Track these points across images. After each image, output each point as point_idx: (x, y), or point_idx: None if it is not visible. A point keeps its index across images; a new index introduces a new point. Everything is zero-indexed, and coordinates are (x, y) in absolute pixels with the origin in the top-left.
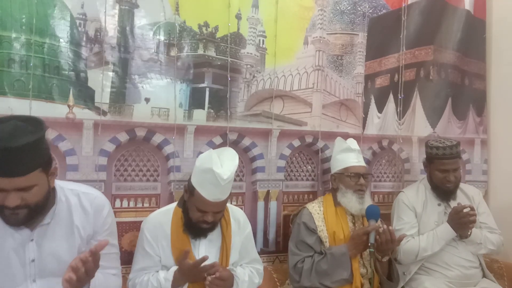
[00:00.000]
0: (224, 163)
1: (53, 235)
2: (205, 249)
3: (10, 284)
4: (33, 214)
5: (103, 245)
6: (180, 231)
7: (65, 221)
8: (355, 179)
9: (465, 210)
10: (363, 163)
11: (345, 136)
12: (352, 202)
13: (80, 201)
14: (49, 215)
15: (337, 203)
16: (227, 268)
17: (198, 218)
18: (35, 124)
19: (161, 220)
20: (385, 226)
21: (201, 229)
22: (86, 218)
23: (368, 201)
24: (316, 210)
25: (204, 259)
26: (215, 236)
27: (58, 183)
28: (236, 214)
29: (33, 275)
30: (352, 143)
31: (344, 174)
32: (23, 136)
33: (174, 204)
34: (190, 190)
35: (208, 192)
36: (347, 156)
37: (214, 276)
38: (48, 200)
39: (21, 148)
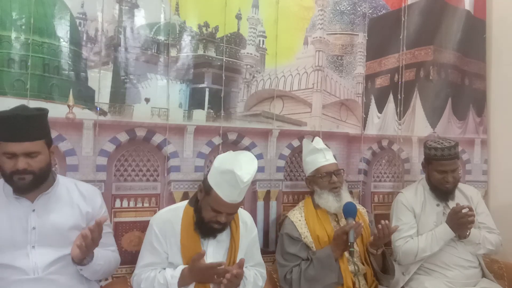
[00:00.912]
0: (243, 165)
1: (53, 207)
2: (213, 250)
3: (12, 248)
4: (38, 180)
5: (105, 218)
6: (190, 229)
7: (64, 198)
8: (327, 178)
9: (463, 211)
10: (332, 160)
11: (345, 136)
12: (329, 201)
13: (77, 187)
14: (51, 187)
15: (316, 206)
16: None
17: (211, 218)
18: (39, 108)
19: (171, 218)
20: (382, 222)
21: (212, 229)
22: (83, 199)
23: (346, 197)
24: (298, 217)
25: (221, 264)
26: (223, 237)
27: (57, 176)
28: (244, 217)
29: (33, 241)
30: (317, 142)
31: (316, 176)
32: (32, 111)
33: (184, 203)
34: (206, 189)
35: (225, 193)
36: (315, 157)
37: (232, 274)
38: (49, 172)
39: (30, 117)
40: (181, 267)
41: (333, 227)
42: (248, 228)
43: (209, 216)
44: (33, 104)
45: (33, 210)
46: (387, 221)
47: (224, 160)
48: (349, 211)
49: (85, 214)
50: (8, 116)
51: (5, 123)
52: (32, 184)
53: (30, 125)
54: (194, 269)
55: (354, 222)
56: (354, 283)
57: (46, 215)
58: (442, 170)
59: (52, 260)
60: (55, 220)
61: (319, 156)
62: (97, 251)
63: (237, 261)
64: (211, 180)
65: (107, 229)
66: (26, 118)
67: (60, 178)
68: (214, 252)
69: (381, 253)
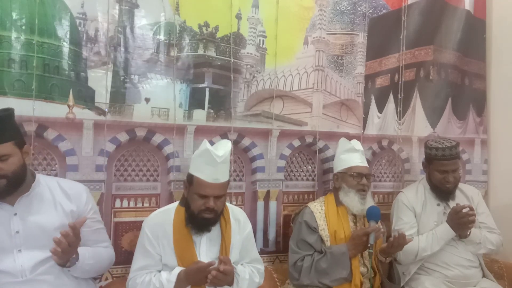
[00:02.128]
0: (218, 145)
1: (36, 209)
2: (206, 248)
3: None
4: (13, 183)
5: (82, 222)
6: (182, 229)
7: (47, 198)
8: (357, 178)
9: (464, 211)
10: (366, 164)
11: (346, 136)
12: (354, 201)
13: (60, 185)
14: (30, 188)
15: (339, 203)
16: None
17: (200, 206)
18: (4, 108)
19: (162, 219)
20: (400, 231)
21: (204, 220)
22: (66, 197)
23: (370, 202)
24: (318, 209)
25: (211, 263)
26: (215, 235)
27: (37, 175)
28: (236, 214)
29: (19, 245)
30: (356, 144)
31: (347, 174)
32: None
33: (175, 204)
34: (189, 180)
35: (206, 174)
36: (351, 156)
37: (218, 270)
38: (25, 174)
39: None
40: (177, 270)
41: (350, 227)
42: (241, 224)
43: (197, 205)
44: (34, 104)
45: (15, 214)
46: (403, 232)
47: (200, 146)
48: (373, 214)
49: (70, 212)
50: None
51: None
52: (7, 188)
53: None
54: (188, 271)
55: (376, 226)
56: (362, 283)
57: (29, 217)
58: (443, 170)
59: (39, 261)
60: (39, 221)
61: (356, 156)
62: (84, 251)
63: (231, 258)
64: (192, 169)
65: (97, 225)
66: None
67: (40, 178)
68: (207, 250)
69: (389, 261)
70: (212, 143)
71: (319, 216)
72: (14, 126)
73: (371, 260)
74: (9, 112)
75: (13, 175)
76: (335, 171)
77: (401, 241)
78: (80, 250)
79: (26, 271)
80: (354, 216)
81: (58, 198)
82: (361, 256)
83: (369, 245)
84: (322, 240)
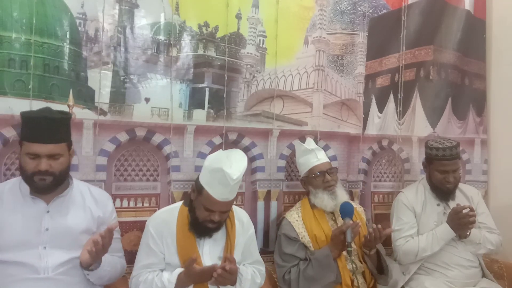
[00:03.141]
0: (233, 163)
1: (66, 210)
2: (209, 248)
3: (24, 247)
4: (57, 182)
5: (116, 225)
6: (185, 229)
7: (78, 201)
8: (320, 177)
9: (464, 211)
10: (324, 160)
11: (346, 136)
12: (325, 200)
13: (90, 191)
14: (66, 189)
15: (313, 206)
16: None
17: (205, 217)
18: (63, 111)
19: (167, 218)
20: (374, 226)
21: (207, 228)
22: (95, 203)
23: (342, 195)
24: (295, 217)
25: (214, 267)
26: (219, 235)
27: (73, 179)
28: (240, 215)
29: (45, 242)
30: (308, 143)
31: (310, 176)
32: (58, 113)
33: (180, 203)
34: (198, 189)
35: (217, 192)
36: (307, 158)
37: (224, 268)
38: (67, 175)
39: (56, 120)
40: (178, 271)
41: (330, 226)
42: (245, 226)
43: (203, 216)
44: (34, 104)
45: (48, 212)
46: (379, 225)
47: (214, 159)
48: (346, 211)
49: (97, 218)
50: (35, 118)
51: (31, 124)
52: (52, 185)
53: (56, 128)
54: (189, 274)
55: (351, 222)
56: (352, 281)
57: (60, 217)
58: (443, 170)
59: (63, 261)
60: (68, 222)
61: (311, 156)
62: (104, 257)
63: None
64: (202, 180)
65: (116, 235)
66: (52, 121)
67: (75, 182)
68: (210, 251)
69: (376, 253)
70: (212, 144)
71: (297, 225)
72: (69, 128)
73: (352, 258)
74: (68, 115)
75: (60, 174)
76: (300, 177)
77: (377, 234)
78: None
79: (49, 269)
80: (333, 213)
81: (88, 203)
82: (347, 254)
83: (347, 243)
84: (305, 247)
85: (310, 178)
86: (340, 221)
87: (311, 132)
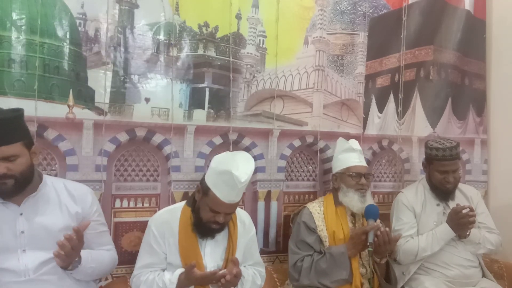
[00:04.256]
0: (240, 165)
1: (42, 210)
2: (211, 249)
3: (2, 252)
4: (20, 184)
5: (85, 225)
6: (188, 229)
7: (53, 199)
8: (356, 178)
9: (464, 211)
10: (364, 163)
11: (346, 136)
12: (354, 201)
13: (66, 186)
14: (37, 189)
15: (337, 203)
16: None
17: (210, 218)
18: (14, 109)
19: (169, 218)
20: (382, 229)
21: (210, 229)
22: (72, 199)
23: (369, 201)
24: (317, 209)
25: (215, 272)
26: (221, 236)
27: (44, 176)
28: (242, 216)
29: (23, 245)
30: (354, 143)
31: (346, 174)
32: (6, 113)
33: (182, 203)
34: (204, 190)
35: (223, 194)
36: (349, 156)
37: (232, 274)
38: (33, 174)
39: (4, 120)
40: (178, 272)
41: (349, 227)
42: (246, 227)
43: (207, 217)
44: (34, 104)
45: (21, 214)
46: (387, 228)
47: (221, 160)
48: (372, 212)
49: (75, 214)
50: None
51: None
52: (15, 188)
53: (5, 128)
54: (190, 278)
55: (375, 224)
56: (362, 284)
57: (35, 218)
58: (443, 171)
59: (42, 261)
60: (44, 222)
61: (354, 155)
62: (87, 254)
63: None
64: (209, 181)
65: (101, 228)
66: (0, 121)
67: (47, 179)
68: (212, 252)
69: (385, 262)
70: (212, 144)
71: (318, 217)
72: (23, 126)
73: (371, 259)
74: (19, 112)
75: (21, 175)
76: (333, 172)
77: (385, 238)
78: (83, 253)
79: (29, 271)
80: (353, 216)
81: (63, 200)
82: (360, 257)
83: (368, 243)
84: (321, 241)
85: (345, 176)
86: (358, 225)
87: (311, 132)
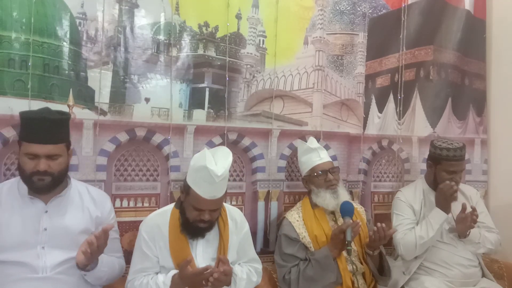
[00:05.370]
0: (218, 161)
1: (65, 210)
2: (202, 250)
3: (22, 247)
4: (55, 182)
5: (111, 226)
6: (177, 231)
7: (76, 201)
8: (323, 176)
9: (467, 212)
10: (326, 159)
11: (346, 136)
12: (327, 199)
13: (88, 191)
14: (65, 190)
15: (314, 205)
16: None
17: (195, 217)
18: (62, 111)
19: (158, 222)
20: (378, 224)
21: (198, 228)
22: (94, 203)
23: (343, 194)
24: (295, 217)
25: (207, 268)
26: (212, 236)
27: (71, 179)
28: (233, 214)
29: (43, 242)
30: (311, 142)
31: (312, 175)
32: (57, 114)
33: (171, 206)
34: (186, 189)
35: (203, 190)
36: (310, 156)
37: (219, 271)
38: (66, 175)
39: (55, 121)
40: (172, 273)
41: (330, 226)
42: (238, 225)
43: (193, 216)
44: (34, 104)
45: (46, 212)
46: (383, 224)
47: (198, 157)
48: (346, 210)
49: (95, 218)
50: (33, 118)
51: (29, 125)
52: (50, 185)
53: (55, 129)
54: (183, 276)
55: (351, 221)
56: (353, 282)
57: (58, 217)
58: (452, 171)
59: (61, 260)
60: (66, 222)
61: (314, 155)
62: (101, 257)
63: (228, 258)
64: (189, 179)
65: (114, 235)
66: (51, 122)
67: (73, 182)
68: (203, 252)
69: (378, 253)
70: (212, 144)
71: (298, 225)
72: (68, 129)
73: (352, 257)
74: (67, 116)
75: (59, 174)
76: (302, 176)
77: (381, 233)
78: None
79: (47, 268)
80: (333, 214)
81: (86, 203)
82: (347, 254)
83: (346, 242)
84: (305, 247)
85: (312, 177)
86: (340, 222)
87: (311, 132)
